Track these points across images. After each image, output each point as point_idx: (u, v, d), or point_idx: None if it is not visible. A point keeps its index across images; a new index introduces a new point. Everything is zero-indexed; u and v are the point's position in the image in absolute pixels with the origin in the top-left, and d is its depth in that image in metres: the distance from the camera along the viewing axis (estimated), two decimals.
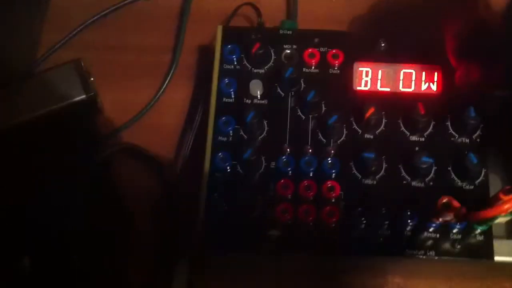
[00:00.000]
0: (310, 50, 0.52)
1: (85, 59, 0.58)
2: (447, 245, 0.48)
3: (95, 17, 0.63)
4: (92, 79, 0.57)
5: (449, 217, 0.45)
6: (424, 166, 0.48)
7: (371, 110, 0.49)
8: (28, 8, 0.64)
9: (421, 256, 0.48)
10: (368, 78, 0.52)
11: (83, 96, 0.55)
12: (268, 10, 0.61)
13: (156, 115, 0.59)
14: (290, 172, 0.49)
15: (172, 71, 0.60)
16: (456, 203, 0.44)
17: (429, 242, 0.48)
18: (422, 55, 0.52)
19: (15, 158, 0.54)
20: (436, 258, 0.47)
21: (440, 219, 0.46)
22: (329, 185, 0.49)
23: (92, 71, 0.59)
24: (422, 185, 0.49)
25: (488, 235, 0.48)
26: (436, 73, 0.52)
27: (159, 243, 0.53)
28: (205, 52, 0.62)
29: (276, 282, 0.52)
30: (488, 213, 0.41)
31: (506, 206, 0.41)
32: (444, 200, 0.44)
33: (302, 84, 0.52)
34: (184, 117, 0.59)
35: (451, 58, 0.50)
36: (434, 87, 0.52)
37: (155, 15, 0.64)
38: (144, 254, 0.53)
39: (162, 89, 0.60)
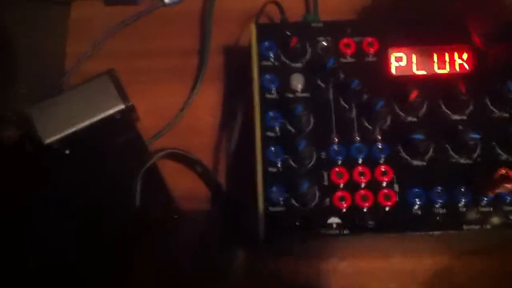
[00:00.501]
0: (345, 40, 0.53)
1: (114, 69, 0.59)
2: (501, 217, 0.49)
3: (119, 26, 0.63)
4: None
5: (506, 188, 0.46)
6: (471, 142, 0.49)
7: (414, 93, 0.50)
8: (48, 21, 0.64)
9: (478, 229, 0.49)
10: (403, 63, 0.53)
11: (122, 106, 0.55)
12: (288, 6, 0.61)
13: (191, 117, 0.60)
14: (341, 160, 0.50)
15: (202, 73, 0.61)
16: None
17: (484, 216, 0.49)
18: (453, 36, 0.53)
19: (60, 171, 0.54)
20: (492, 230, 0.49)
21: (497, 191, 0.47)
22: (382, 169, 0.50)
23: (121, 79, 0.59)
24: (471, 161, 0.50)
25: None
26: (467, 52, 0.53)
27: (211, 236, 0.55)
28: (232, 52, 0.62)
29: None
30: None
31: None
32: (502, 172, 0.45)
33: (341, 74, 0.52)
34: (219, 117, 0.60)
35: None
36: (467, 65, 0.53)
37: (178, 21, 0.64)
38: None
39: (195, 91, 0.60)
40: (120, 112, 0.55)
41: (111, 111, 0.55)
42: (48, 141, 0.54)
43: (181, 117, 0.60)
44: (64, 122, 0.54)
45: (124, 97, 0.55)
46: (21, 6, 0.63)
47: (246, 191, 0.52)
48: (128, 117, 0.56)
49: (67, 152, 0.54)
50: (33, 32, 0.63)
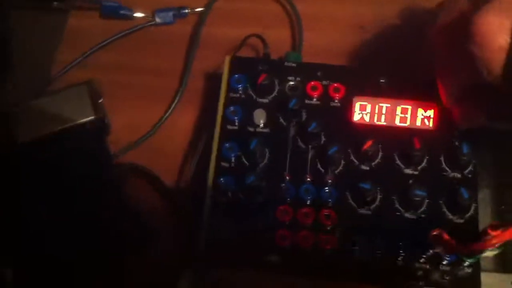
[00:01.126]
0: (313, 82, 0.55)
1: (97, 80, 0.61)
2: (436, 276, 0.50)
3: (109, 40, 0.65)
4: (101, 100, 0.60)
5: (439, 249, 0.47)
6: (417, 198, 0.50)
7: (368, 143, 0.51)
8: (45, 27, 0.67)
9: (412, 287, 0.49)
10: (366, 112, 0.54)
11: (92, 117, 0.57)
12: (274, 41, 0.63)
13: (162, 137, 0.62)
14: (289, 199, 0.52)
15: (179, 96, 0.63)
16: (446, 236, 0.46)
17: (420, 272, 0.50)
18: (419, 92, 0.55)
19: (23, 174, 0.56)
20: None
21: (431, 251, 0.48)
22: (326, 213, 0.51)
23: (103, 91, 0.61)
24: (415, 217, 0.51)
25: (476, 267, 0.50)
26: (431, 110, 0.54)
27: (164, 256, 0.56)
28: (212, 79, 0.64)
29: None
30: (477, 246, 0.43)
31: (494, 241, 0.43)
32: (435, 233, 0.46)
33: (304, 115, 0.54)
34: (189, 140, 0.62)
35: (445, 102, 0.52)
36: (429, 123, 0.54)
37: (166, 41, 0.66)
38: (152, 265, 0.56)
39: (168, 112, 0.62)
40: (91, 122, 0.57)
41: (82, 120, 0.57)
42: (22, 141, 0.56)
43: (153, 135, 0.62)
44: (39, 125, 0.56)
45: (97, 109, 0.57)
46: (21, 12, 0.66)
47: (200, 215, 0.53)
48: (98, 128, 0.58)
49: (39, 155, 0.56)
50: (29, 37, 0.65)
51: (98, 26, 0.67)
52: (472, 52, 0.42)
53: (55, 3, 0.68)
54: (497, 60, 0.41)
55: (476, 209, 0.51)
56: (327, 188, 0.52)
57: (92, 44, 0.66)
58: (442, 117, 0.54)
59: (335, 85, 0.55)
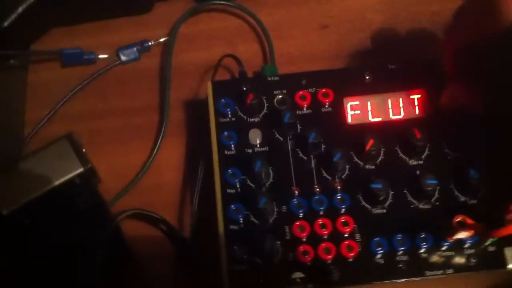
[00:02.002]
0: (300, 92, 0.54)
1: (74, 131, 0.59)
2: (463, 260, 0.50)
3: (77, 88, 0.63)
4: (83, 150, 0.57)
5: (463, 234, 0.46)
6: (429, 188, 0.50)
7: (370, 142, 0.51)
8: (4, 88, 0.63)
9: (441, 276, 0.49)
10: (359, 111, 0.54)
11: (81, 169, 0.55)
12: (246, 57, 0.62)
13: (154, 175, 0.60)
14: (301, 213, 0.50)
15: (163, 130, 0.61)
16: (469, 221, 0.46)
17: (446, 260, 0.50)
18: (406, 81, 0.54)
19: (20, 239, 0.54)
20: (456, 274, 0.49)
21: (455, 237, 0.47)
22: (343, 220, 0.50)
23: (82, 141, 0.59)
24: (430, 206, 0.51)
25: (499, 244, 0.50)
26: (421, 97, 0.54)
27: None
28: (192, 106, 0.63)
29: None
30: (505, 230, 0.43)
31: None
32: (459, 219, 0.46)
33: (299, 126, 0.53)
34: (182, 173, 0.60)
35: (448, 68, 0.51)
36: (422, 110, 0.54)
37: (136, 78, 0.64)
38: None
39: (156, 149, 0.60)
40: (80, 175, 0.55)
41: (70, 175, 0.55)
42: (6, 212, 0.53)
43: (144, 175, 0.59)
44: (23, 191, 0.54)
45: (83, 160, 0.55)
46: None
47: (212, 248, 0.52)
48: (88, 180, 0.55)
49: (27, 222, 0.53)
50: None
51: (62, 76, 0.64)
52: None
53: (11, 61, 0.65)
54: None
55: (487, 187, 0.51)
56: (338, 195, 0.51)
57: (59, 96, 0.63)
58: (434, 102, 0.53)
59: (323, 90, 0.54)
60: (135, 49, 0.65)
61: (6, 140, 0.60)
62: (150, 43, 0.65)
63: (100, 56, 0.64)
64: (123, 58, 0.64)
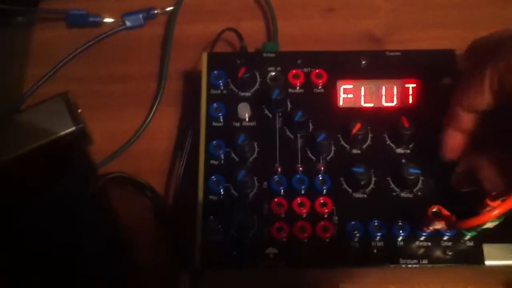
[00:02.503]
0: (294, 71, 0.54)
1: (72, 91, 0.59)
2: (438, 253, 0.49)
3: (80, 49, 0.63)
4: (80, 110, 0.58)
5: (439, 225, 0.46)
6: (412, 177, 0.49)
7: (357, 126, 0.51)
8: (10, 43, 0.65)
9: (415, 265, 0.49)
10: (351, 95, 0.54)
11: (73, 128, 0.56)
12: (249, 33, 0.62)
13: (146, 142, 0.61)
14: (282, 190, 0.51)
15: (158, 98, 0.61)
16: (445, 212, 0.45)
17: (422, 251, 0.49)
18: (402, 69, 0.54)
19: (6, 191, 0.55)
20: (430, 266, 0.49)
21: (431, 228, 0.47)
22: (322, 201, 0.50)
23: (80, 102, 0.60)
24: (411, 195, 0.50)
25: (478, 240, 0.49)
26: (416, 86, 0.54)
27: (160, 261, 0.55)
28: (190, 78, 0.63)
29: None
30: (477, 220, 0.42)
31: (494, 212, 0.42)
32: (434, 209, 0.45)
33: (289, 105, 0.53)
34: (174, 142, 0.60)
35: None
36: (415, 100, 0.53)
37: (138, 45, 0.65)
38: (145, 273, 0.55)
39: (150, 116, 0.61)
40: (71, 134, 0.56)
41: (61, 133, 0.55)
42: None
43: (136, 141, 0.60)
44: (15, 143, 0.55)
45: (75, 119, 0.56)
46: None
47: (192, 217, 0.52)
48: (79, 139, 0.56)
49: (16, 174, 0.54)
50: None
51: (66, 36, 0.65)
52: None
53: (19, 17, 0.66)
54: None
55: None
56: (320, 176, 0.51)
57: (62, 56, 0.64)
58: (427, 93, 0.53)
59: (317, 71, 0.54)
60: (140, 16, 0.65)
61: (6, 93, 0.61)
62: (155, 11, 0.65)
63: (106, 20, 0.65)
64: (127, 23, 0.65)
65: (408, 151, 0.52)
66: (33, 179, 0.55)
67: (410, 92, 0.54)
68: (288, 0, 0.66)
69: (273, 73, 0.54)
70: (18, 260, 0.53)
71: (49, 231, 0.53)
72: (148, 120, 0.61)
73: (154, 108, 0.61)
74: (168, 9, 0.65)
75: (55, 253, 0.52)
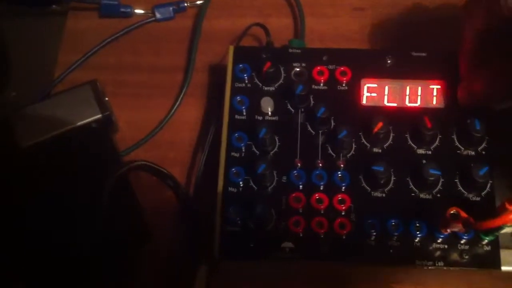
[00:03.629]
0: (318, 67, 0.54)
1: (100, 80, 0.60)
2: (455, 256, 0.49)
3: (110, 39, 0.65)
4: (106, 99, 0.59)
5: (457, 227, 0.46)
6: (432, 178, 0.49)
7: (379, 125, 0.51)
8: (44, 30, 0.66)
9: (430, 267, 0.49)
10: (375, 93, 0.54)
11: (99, 116, 0.57)
12: (276, 29, 0.63)
13: (170, 132, 0.61)
14: (301, 185, 0.51)
15: (184, 90, 0.62)
16: (463, 214, 0.45)
17: (438, 253, 0.49)
18: (427, 71, 0.54)
19: (34, 175, 0.56)
20: (445, 268, 0.49)
21: (448, 230, 0.47)
22: (340, 198, 0.50)
23: (107, 91, 0.61)
24: (430, 197, 0.50)
25: (495, 245, 0.49)
26: (440, 88, 0.53)
27: (179, 251, 0.56)
28: (216, 71, 0.64)
29: None
30: (495, 222, 0.42)
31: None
32: (452, 211, 0.45)
33: (311, 101, 0.53)
34: (197, 133, 0.61)
35: (463, 62, 0.50)
36: (439, 101, 0.53)
37: (167, 37, 0.66)
38: (163, 263, 0.56)
39: (175, 107, 0.61)
40: (97, 121, 0.57)
41: (88, 120, 0.56)
42: (25, 145, 0.55)
43: (160, 131, 0.61)
44: (43, 127, 0.56)
45: (102, 107, 0.57)
46: (19, 14, 0.66)
47: (212, 208, 0.53)
48: (105, 126, 0.57)
49: (42, 158, 0.56)
50: (28, 39, 0.65)
51: (98, 26, 0.67)
52: None
53: (53, 6, 0.68)
54: None
55: (492, 186, 0.50)
56: (339, 172, 0.51)
57: (93, 45, 0.65)
58: (452, 95, 0.53)
59: (342, 68, 0.54)
60: (170, 8, 0.66)
61: (38, 78, 0.63)
62: (185, 4, 0.66)
63: (136, 11, 0.66)
64: (158, 15, 0.66)
65: (429, 152, 0.52)
66: (58, 164, 0.56)
67: (434, 93, 0.54)
68: None
69: (298, 69, 0.55)
70: (36, 247, 0.54)
71: (71, 217, 0.53)
72: (173, 111, 0.61)
73: (180, 99, 0.62)
74: (198, 2, 0.66)
75: (77, 240, 0.52)
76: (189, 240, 0.56)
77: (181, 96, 0.62)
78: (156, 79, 0.64)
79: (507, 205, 0.43)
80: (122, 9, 0.65)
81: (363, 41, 0.64)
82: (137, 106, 0.63)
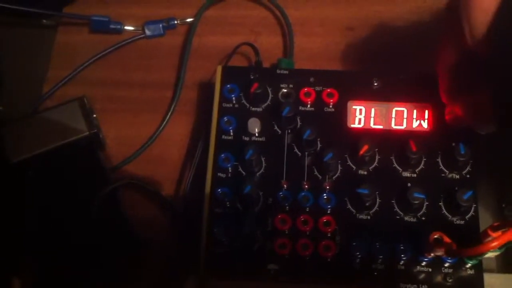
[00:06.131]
0: (306, 89, 0.54)
1: (90, 95, 0.61)
2: (439, 279, 0.49)
3: (100, 54, 0.65)
4: (95, 115, 0.59)
5: (440, 252, 0.46)
6: (416, 202, 0.50)
7: (365, 147, 0.51)
8: (34, 45, 0.66)
9: None
10: (361, 116, 0.54)
11: (86, 133, 0.57)
12: (266, 47, 0.63)
13: (158, 148, 0.62)
14: (287, 207, 0.51)
15: (173, 106, 0.62)
16: (447, 239, 0.46)
17: (422, 276, 0.49)
18: (413, 93, 0.54)
19: (16, 193, 0.56)
20: None
21: (432, 254, 0.47)
22: (325, 220, 0.50)
23: (96, 106, 0.61)
24: (415, 220, 0.51)
25: (479, 269, 0.49)
26: (426, 111, 0.54)
27: (164, 269, 0.56)
28: (206, 88, 0.64)
29: None
30: (478, 250, 0.43)
31: (494, 243, 0.42)
32: (436, 236, 0.46)
33: (299, 122, 0.54)
34: (185, 150, 0.61)
35: (442, 93, 0.51)
36: (425, 124, 0.54)
37: (157, 53, 0.66)
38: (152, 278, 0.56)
39: (163, 124, 0.62)
40: (85, 138, 0.57)
41: (75, 137, 0.57)
42: (15, 160, 0.56)
43: (149, 147, 0.61)
44: (31, 143, 0.56)
45: (90, 124, 0.57)
46: (8, 28, 0.66)
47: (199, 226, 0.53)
48: (92, 144, 0.57)
49: (31, 173, 0.56)
50: (17, 53, 0.65)
51: (88, 41, 0.67)
52: (459, 17, 0.42)
53: (44, 20, 0.68)
54: (481, 22, 0.41)
55: (476, 210, 0.50)
56: (325, 194, 0.51)
57: (83, 60, 0.65)
58: (438, 118, 0.53)
59: (329, 90, 0.54)
60: (160, 25, 0.66)
61: (27, 92, 0.63)
62: (176, 22, 0.66)
63: (127, 27, 0.66)
64: (148, 32, 0.66)
65: (415, 175, 0.52)
66: (47, 180, 0.56)
67: (420, 116, 0.54)
68: (307, 16, 0.66)
69: (285, 90, 0.55)
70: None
71: (59, 234, 0.54)
72: (162, 127, 0.62)
73: (168, 116, 0.62)
74: (188, 20, 0.66)
75: (65, 256, 0.53)
76: (178, 252, 0.56)
77: (170, 112, 0.62)
78: (145, 95, 0.64)
79: (490, 232, 0.43)
80: (112, 26, 0.66)
81: (352, 61, 0.64)
82: (126, 121, 0.63)
